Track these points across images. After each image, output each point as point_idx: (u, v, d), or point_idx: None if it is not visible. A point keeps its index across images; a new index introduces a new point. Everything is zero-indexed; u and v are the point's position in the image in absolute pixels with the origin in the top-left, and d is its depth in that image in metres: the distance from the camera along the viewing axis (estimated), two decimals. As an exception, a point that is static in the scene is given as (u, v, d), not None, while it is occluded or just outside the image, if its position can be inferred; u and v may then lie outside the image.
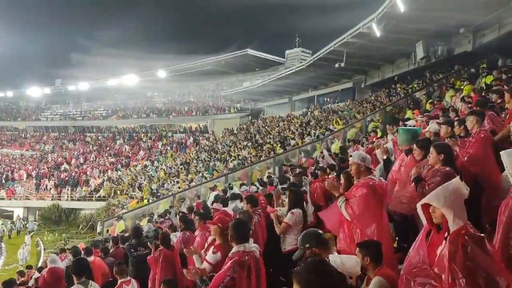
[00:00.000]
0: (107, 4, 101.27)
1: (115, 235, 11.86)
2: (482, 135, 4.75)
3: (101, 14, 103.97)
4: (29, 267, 10.92)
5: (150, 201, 22.30)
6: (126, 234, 10.68)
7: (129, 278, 5.81)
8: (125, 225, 16.03)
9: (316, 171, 9.71)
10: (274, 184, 9.81)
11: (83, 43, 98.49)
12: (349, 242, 3.90)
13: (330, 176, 7.78)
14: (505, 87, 8.38)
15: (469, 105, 8.33)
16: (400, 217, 4.79)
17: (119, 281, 5.74)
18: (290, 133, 24.27)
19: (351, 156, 4.58)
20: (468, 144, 4.91)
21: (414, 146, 4.68)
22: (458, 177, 2.90)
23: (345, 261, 2.76)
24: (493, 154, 4.63)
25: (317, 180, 7.87)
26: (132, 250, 7.43)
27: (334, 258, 2.75)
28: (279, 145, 22.61)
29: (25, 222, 30.53)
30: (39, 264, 17.66)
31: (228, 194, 10.49)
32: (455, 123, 5.63)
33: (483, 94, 9.18)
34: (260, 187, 10.91)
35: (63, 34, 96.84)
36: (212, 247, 4.33)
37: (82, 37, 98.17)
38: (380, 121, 16.01)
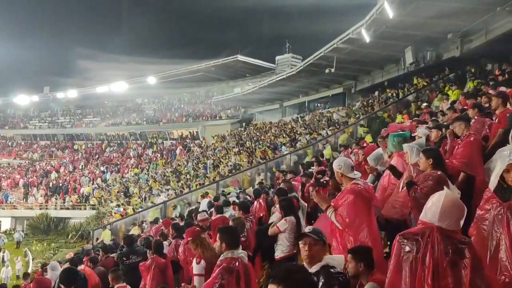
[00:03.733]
0: (95, 12, 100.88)
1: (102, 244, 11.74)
2: (471, 138, 4.79)
3: (89, 22, 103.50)
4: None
5: (141, 209, 22.09)
6: (109, 243, 10.56)
7: (124, 284, 5.78)
8: (111, 234, 15.94)
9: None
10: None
11: (71, 50, 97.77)
12: (342, 250, 3.89)
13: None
14: (491, 91, 8.48)
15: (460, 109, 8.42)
16: (394, 222, 4.78)
17: (115, 287, 5.71)
18: (282, 138, 24.29)
19: None
20: (457, 146, 4.96)
21: (420, 154, 4.59)
22: (455, 186, 2.94)
23: (338, 260, 2.88)
24: (481, 158, 4.66)
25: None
26: (124, 259, 7.36)
27: (333, 259, 2.83)
28: (270, 151, 22.63)
29: (10, 234, 29.85)
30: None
31: (220, 201, 10.46)
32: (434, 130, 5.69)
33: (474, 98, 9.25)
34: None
35: (51, 42, 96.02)
36: (195, 258, 4.42)
37: (71, 44, 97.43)
38: (367, 125, 16.15)
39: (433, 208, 2.60)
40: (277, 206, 6.20)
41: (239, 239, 3.81)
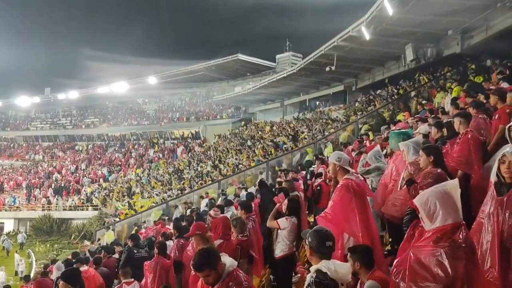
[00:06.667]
0: (95, 13, 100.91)
1: (105, 244, 11.80)
2: (469, 136, 4.79)
3: (89, 23, 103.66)
4: None
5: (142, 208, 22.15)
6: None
7: (132, 279, 5.91)
8: (115, 235, 15.98)
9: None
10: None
11: (72, 51, 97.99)
12: (338, 247, 3.89)
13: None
14: (492, 87, 8.47)
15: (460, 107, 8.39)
16: (396, 221, 4.78)
17: (122, 282, 5.85)
18: (283, 137, 24.29)
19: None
20: (456, 145, 4.97)
21: (420, 152, 4.49)
22: (456, 179, 2.93)
23: (338, 268, 2.78)
24: (479, 155, 4.65)
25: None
26: (135, 251, 7.53)
27: (328, 265, 2.76)
28: (272, 150, 22.63)
29: (13, 236, 29.96)
30: (31, 275, 17.43)
31: (220, 201, 10.48)
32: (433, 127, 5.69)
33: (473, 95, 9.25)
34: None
35: (51, 43, 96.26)
36: None
37: (71, 45, 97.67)
38: (372, 123, 16.12)
39: (454, 208, 2.58)
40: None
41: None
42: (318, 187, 8.21)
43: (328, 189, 8.01)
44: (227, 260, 3.05)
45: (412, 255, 2.63)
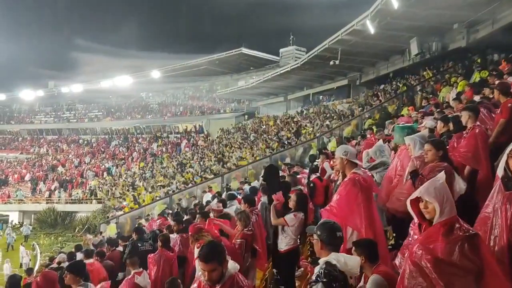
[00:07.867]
0: (99, 6, 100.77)
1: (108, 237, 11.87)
2: (476, 130, 4.75)
3: (93, 17, 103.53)
4: None
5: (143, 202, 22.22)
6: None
7: (141, 269, 5.91)
8: (117, 228, 16.09)
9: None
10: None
11: (75, 45, 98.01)
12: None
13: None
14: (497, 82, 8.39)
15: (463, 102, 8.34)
16: (400, 215, 4.77)
17: (132, 272, 5.83)
18: (286, 131, 24.27)
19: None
20: (462, 139, 4.94)
21: (429, 145, 4.30)
22: (443, 172, 2.91)
23: (348, 260, 2.78)
24: (486, 150, 4.62)
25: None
26: (139, 245, 7.60)
27: (338, 257, 2.77)
28: (276, 144, 22.62)
29: (17, 228, 30.18)
30: (36, 268, 17.60)
31: (224, 195, 10.50)
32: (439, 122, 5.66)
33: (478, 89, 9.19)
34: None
35: (55, 36, 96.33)
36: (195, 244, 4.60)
37: (75, 39, 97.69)
38: (377, 118, 16.05)
39: (449, 202, 2.55)
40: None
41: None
42: (312, 184, 8.08)
43: (321, 185, 7.98)
44: (230, 263, 2.97)
45: (425, 257, 2.46)
